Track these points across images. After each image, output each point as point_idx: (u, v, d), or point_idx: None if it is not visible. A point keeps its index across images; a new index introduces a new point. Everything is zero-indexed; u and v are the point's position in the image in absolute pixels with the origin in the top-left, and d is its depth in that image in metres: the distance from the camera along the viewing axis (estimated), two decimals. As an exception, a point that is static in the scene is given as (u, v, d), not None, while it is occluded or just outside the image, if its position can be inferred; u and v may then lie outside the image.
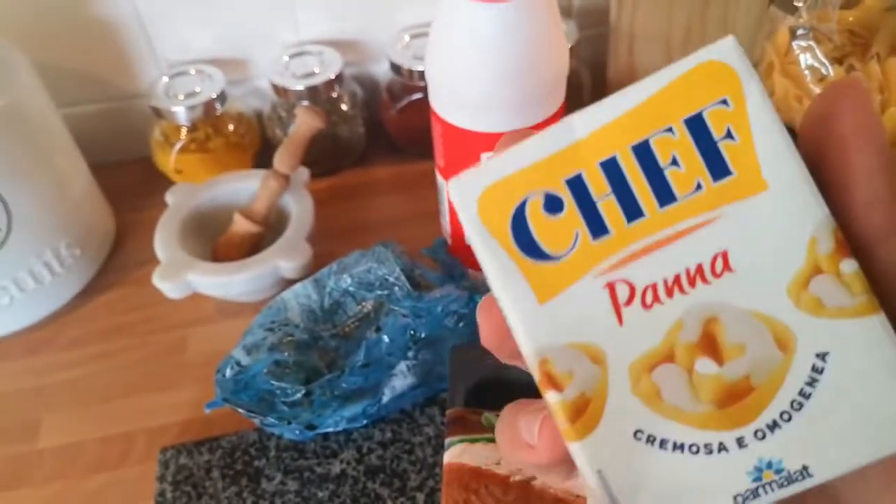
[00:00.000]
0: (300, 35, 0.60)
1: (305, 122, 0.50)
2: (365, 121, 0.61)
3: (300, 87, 0.56)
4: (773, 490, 0.16)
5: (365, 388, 0.41)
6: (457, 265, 0.47)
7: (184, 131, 0.56)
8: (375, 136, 0.62)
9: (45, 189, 0.48)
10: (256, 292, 0.49)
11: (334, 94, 0.58)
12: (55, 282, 0.50)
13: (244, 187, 0.52)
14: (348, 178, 0.61)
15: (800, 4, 0.42)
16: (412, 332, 0.41)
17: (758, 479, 0.17)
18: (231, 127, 0.58)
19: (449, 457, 0.36)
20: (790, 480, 0.16)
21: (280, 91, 0.57)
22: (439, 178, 0.46)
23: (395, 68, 0.57)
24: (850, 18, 0.42)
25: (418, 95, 0.57)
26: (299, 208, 0.50)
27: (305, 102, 0.56)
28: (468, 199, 0.18)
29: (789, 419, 0.17)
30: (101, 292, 0.52)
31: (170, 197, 0.52)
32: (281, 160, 0.50)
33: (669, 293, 0.17)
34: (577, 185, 0.17)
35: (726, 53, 0.17)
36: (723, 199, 0.17)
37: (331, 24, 0.60)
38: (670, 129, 0.17)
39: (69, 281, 0.51)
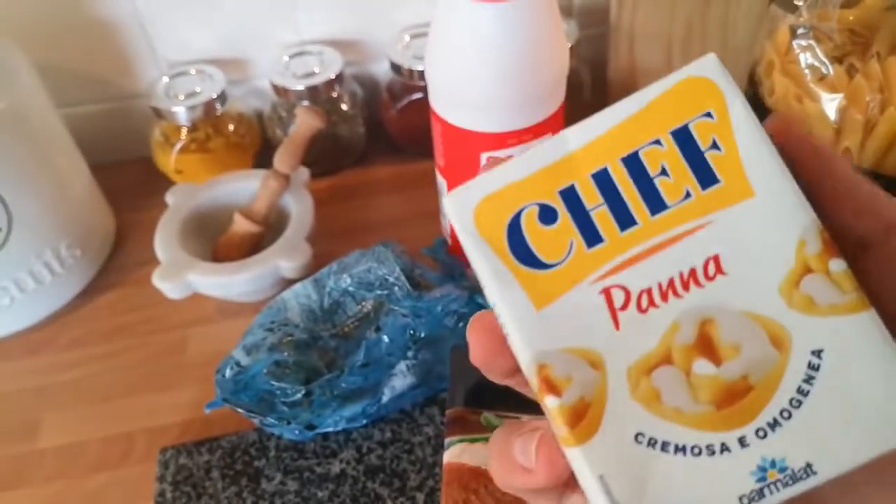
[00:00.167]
0: (300, 35, 0.60)
1: (305, 122, 0.50)
2: (365, 120, 0.61)
3: (300, 86, 0.56)
4: (778, 490, 0.16)
5: (364, 388, 0.41)
6: (457, 265, 0.47)
7: (184, 131, 0.56)
8: (375, 136, 0.62)
9: (46, 189, 0.48)
10: (256, 292, 0.49)
11: (334, 94, 0.58)
12: (55, 282, 0.50)
13: (244, 187, 0.52)
14: (348, 178, 0.61)
15: (800, 3, 0.42)
16: (412, 331, 0.41)
17: (762, 479, 0.16)
18: (231, 127, 0.58)
19: (448, 456, 0.36)
20: (795, 479, 0.16)
21: (280, 91, 0.57)
22: (439, 178, 0.46)
23: (396, 68, 0.57)
24: (851, 17, 0.42)
25: (418, 95, 0.57)
26: (299, 208, 0.50)
27: (305, 102, 0.56)
28: (465, 210, 0.18)
29: (789, 417, 0.17)
30: (102, 292, 0.53)
31: (170, 197, 0.52)
32: (281, 160, 0.50)
33: (664, 297, 0.17)
34: (570, 196, 0.18)
35: (709, 70, 0.18)
36: (712, 205, 0.18)
37: (331, 23, 0.60)
38: (658, 141, 0.18)
39: (69, 281, 0.51)
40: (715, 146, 0.18)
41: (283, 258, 0.47)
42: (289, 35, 0.60)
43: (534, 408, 0.19)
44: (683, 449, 0.17)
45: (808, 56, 0.41)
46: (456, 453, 0.36)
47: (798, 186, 0.17)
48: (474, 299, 0.42)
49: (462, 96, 0.39)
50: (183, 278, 0.46)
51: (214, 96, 0.55)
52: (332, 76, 0.56)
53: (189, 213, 0.51)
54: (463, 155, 0.42)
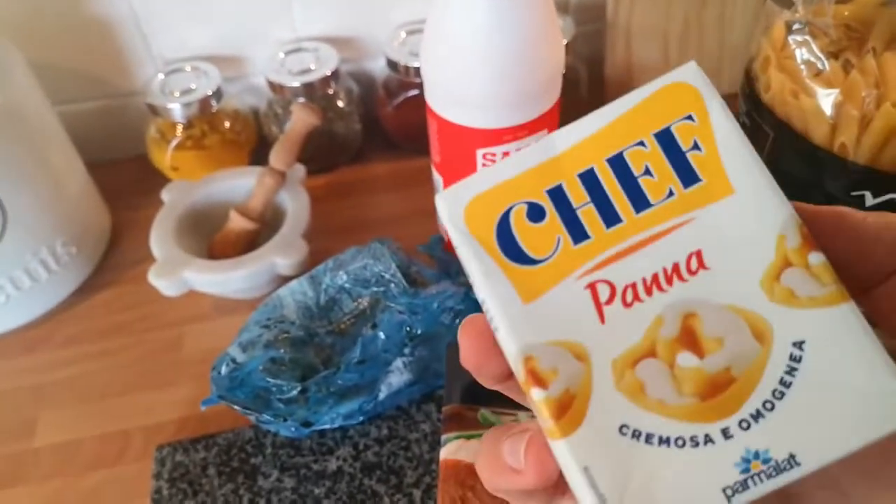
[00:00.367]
0: (296, 32, 0.60)
1: (301, 119, 0.50)
2: (361, 117, 0.61)
3: (296, 83, 0.56)
4: (762, 481, 0.17)
5: (361, 385, 0.41)
6: (453, 262, 0.47)
7: (180, 128, 0.56)
8: (372, 133, 0.62)
9: (41, 187, 0.48)
10: (252, 289, 0.49)
11: (330, 91, 0.58)
12: (51, 280, 0.50)
13: (240, 184, 0.52)
14: (344, 175, 0.61)
15: (796, -1, 0.42)
16: (408, 328, 0.41)
17: (746, 470, 0.17)
18: (227, 124, 0.58)
19: (445, 453, 0.36)
20: (779, 470, 0.16)
21: (276, 88, 0.56)
22: (435, 175, 0.46)
23: (392, 65, 0.57)
24: (846, 13, 0.41)
25: (414, 92, 0.57)
26: (295, 205, 0.50)
27: (301, 99, 0.56)
28: (456, 208, 0.19)
29: (772, 408, 0.17)
30: (98, 290, 0.52)
31: (166, 194, 0.51)
32: (277, 157, 0.50)
33: (649, 291, 0.18)
34: (557, 195, 0.19)
35: (689, 76, 0.19)
36: (694, 203, 0.18)
37: (327, 20, 0.59)
38: (642, 143, 0.19)
39: (65, 279, 0.51)
40: (696, 147, 0.18)
41: (280, 255, 0.47)
42: (285, 32, 0.59)
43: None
44: (667, 440, 0.17)
45: (804, 52, 0.41)
46: (452, 450, 0.36)
47: (776, 183, 0.18)
48: (470, 296, 0.42)
49: (458, 93, 0.39)
50: (179, 275, 0.46)
51: (210, 93, 0.55)
52: (329, 73, 0.56)
53: (185, 211, 0.50)
54: (459, 151, 0.42)
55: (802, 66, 0.41)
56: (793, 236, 0.18)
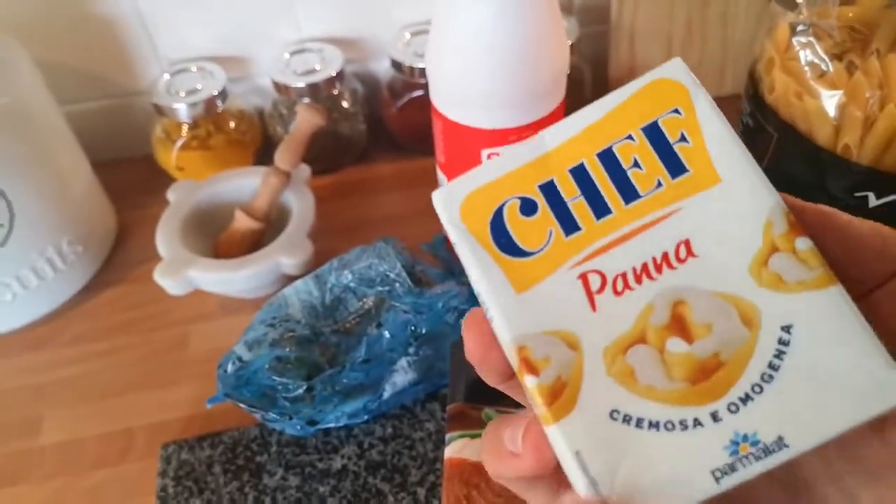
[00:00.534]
0: (301, 33, 0.60)
1: (306, 120, 0.50)
2: (366, 118, 0.61)
3: (301, 84, 0.56)
4: (750, 463, 0.17)
5: (366, 384, 0.41)
6: (457, 261, 0.47)
7: (185, 128, 0.56)
8: (376, 134, 0.62)
9: (47, 186, 0.48)
10: (258, 289, 0.49)
11: (335, 92, 0.58)
12: (57, 279, 0.50)
13: (245, 184, 0.52)
14: (349, 175, 0.61)
15: (800, 0, 0.42)
16: (413, 327, 0.41)
17: (734, 452, 0.17)
18: (232, 124, 0.58)
19: (450, 452, 0.36)
20: (767, 452, 0.17)
21: (281, 88, 0.57)
22: (440, 175, 0.46)
23: (396, 65, 0.57)
24: (850, 14, 0.42)
25: (419, 92, 0.58)
26: (300, 205, 0.50)
27: (306, 100, 0.56)
28: (452, 205, 0.20)
29: (761, 391, 0.17)
30: (103, 289, 0.53)
31: (171, 194, 0.52)
32: (282, 157, 0.50)
33: (638, 280, 0.18)
34: (549, 190, 0.19)
35: (674, 72, 0.19)
36: (682, 193, 0.19)
37: (332, 21, 0.60)
38: (630, 137, 0.19)
39: (71, 278, 0.51)
40: (683, 139, 0.19)
41: (285, 255, 0.47)
42: (290, 32, 0.60)
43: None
44: (657, 424, 0.17)
45: (808, 53, 0.41)
46: (457, 449, 0.36)
47: (762, 172, 0.18)
48: (475, 295, 0.42)
49: (463, 93, 0.39)
50: (184, 275, 0.46)
51: (215, 93, 0.55)
52: (333, 73, 0.56)
53: (190, 210, 0.51)
54: (463, 152, 0.42)
55: (806, 68, 0.41)
56: (780, 223, 0.18)
